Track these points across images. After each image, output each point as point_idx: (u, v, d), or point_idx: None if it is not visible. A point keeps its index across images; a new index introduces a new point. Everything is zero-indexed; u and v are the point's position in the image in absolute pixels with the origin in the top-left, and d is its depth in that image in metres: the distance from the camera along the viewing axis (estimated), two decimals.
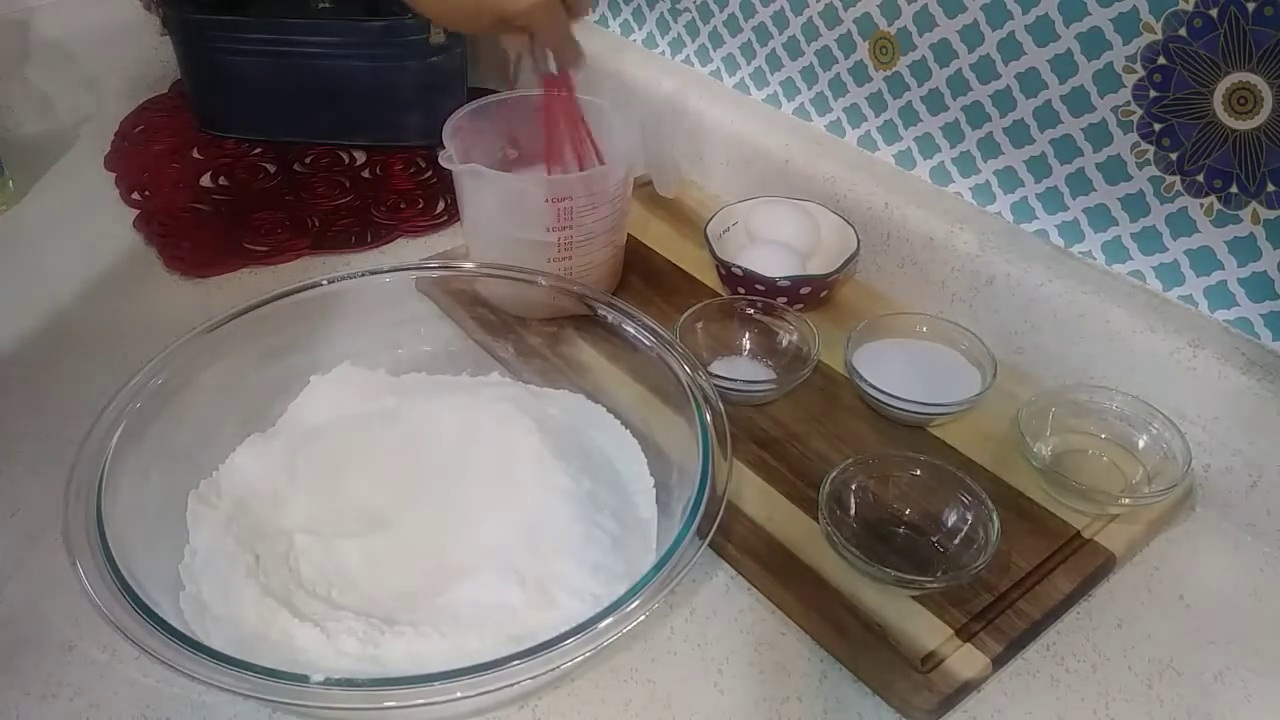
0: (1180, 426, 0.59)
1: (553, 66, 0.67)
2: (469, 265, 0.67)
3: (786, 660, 0.51)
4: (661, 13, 0.91)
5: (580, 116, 0.70)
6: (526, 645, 0.42)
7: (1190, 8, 0.55)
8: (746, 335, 0.69)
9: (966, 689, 0.49)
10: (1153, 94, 0.59)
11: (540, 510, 0.53)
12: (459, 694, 0.40)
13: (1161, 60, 0.58)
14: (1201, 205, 0.59)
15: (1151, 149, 0.60)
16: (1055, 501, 0.58)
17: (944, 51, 0.69)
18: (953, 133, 0.71)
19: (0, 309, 0.73)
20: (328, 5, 0.95)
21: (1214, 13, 0.54)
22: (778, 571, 0.54)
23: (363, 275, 0.63)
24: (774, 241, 0.74)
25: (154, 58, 1.04)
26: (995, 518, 0.53)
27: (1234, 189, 0.57)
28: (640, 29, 0.94)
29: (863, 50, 0.74)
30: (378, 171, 0.93)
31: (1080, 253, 0.67)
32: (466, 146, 0.69)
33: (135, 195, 0.87)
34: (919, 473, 0.57)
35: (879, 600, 0.52)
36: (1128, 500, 0.57)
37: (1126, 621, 0.54)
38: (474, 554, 0.52)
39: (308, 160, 0.94)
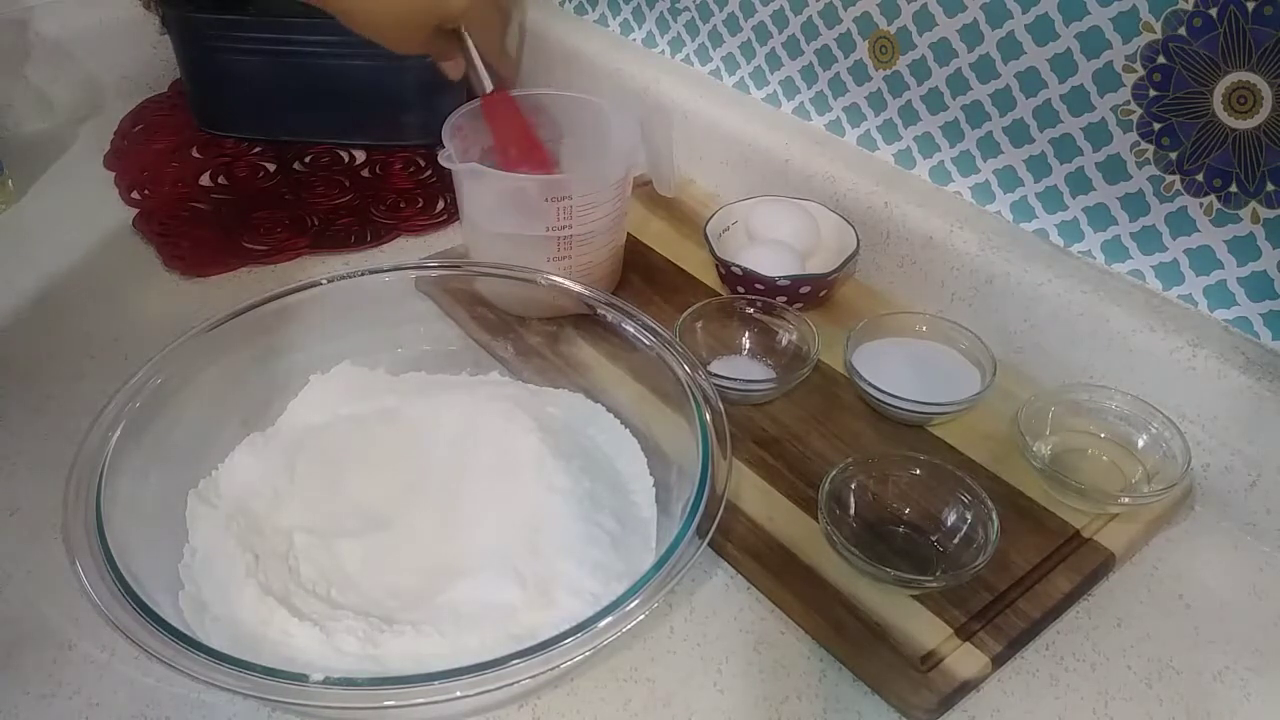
0: (1180, 426, 0.59)
1: (489, 84, 0.70)
2: (469, 265, 0.67)
3: (786, 659, 0.51)
4: (661, 12, 0.91)
5: (526, 121, 0.72)
6: (526, 644, 0.42)
7: (1190, 7, 0.55)
8: (746, 335, 0.69)
9: (966, 688, 0.49)
10: (1152, 93, 0.59)
11: (540, 509, 0.53)
12: (459, 693, 0.40)
13: (1161, 59, 0.58)
14: (1201, 205, 0.59)
15: (1151, 148, 0.60)
16: (1055, 501, 0.58)
17: (944, 51, 0.69)
18: (952, 132, 0.71)
19: None
20: None
21: (1214, 12, 0.54)
22: (777, 571, 0.54)
23: (362, 274, 0.63)
24: (774, 241, 0.74)
25: (153, 57, 1.04)
26: (995, 517, 0.53)
27: (1234, 188, 0.57)
28: (640, 28, 0.94)
29: (862, 49, 0.74)
30: (377, 171, 0.93)
31: (1080, 252, 0.67)
32: (466, 145, 0.69)
33: (135, 194, 0.87)
34: (919, 472, 0.57)
35: (879, 599, 0.52)
36: (1127, 499, 0.57)
37: (1126, 621, 0.54)
38: (474, 553, 0.52)
39: (307, 159, 0.94)
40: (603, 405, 0.62)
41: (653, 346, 0.58)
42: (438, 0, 0.66)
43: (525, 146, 0.72)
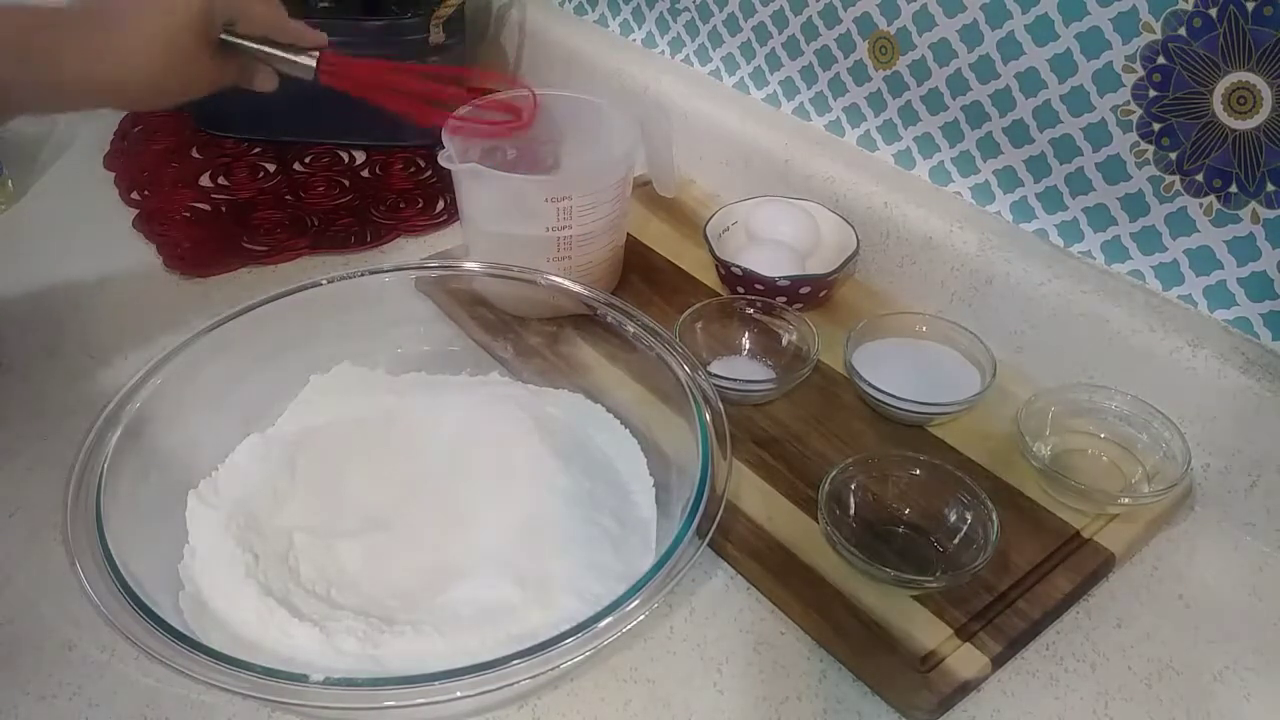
0: (1180, 426, 0.59)
1: (306, 60, 0.62)
2: (469, 265, 0.67)
3: (786, 660, 0.51)
4: (661, 12, 0.91)
5: (385, 66, 0.64)
6: (526, 645, 0.42)
7: (1190, 7, 0.55)
8: (746, 335, 0.69)
9: (966, 688, 0.49)
10: (1152, 93, 0.59)
11: (540, 510, 0.53)
12: (459, 694, 0.40)
13: (1161, 60, 0.58)
14: (1201, 205, 0.59)
15: (1151, 148, 0.60)
16: (1055, 501, 0.58)
17: (944, 51, 0.69)
18: (952, 132, 0.71)
19: None
20: (328, 5, 0.95)
21: (1213, 12, 0.54)
22: (777, 571, 0.54)
23: (362, 275, 0.63)
24: (773, 241, 0.74)
25: None
26: (995, 517, 0.53)
27: (1233, 188, 0.57)
28: (640, 28, 0.94)
29: (862, 50, 0.74)
30: (377, 171, 0.93)
31: (1080, 252, 0.67)
32: (466, 146, 0.69)
33: (134, 195, 0.87)
34: (918, 472, 0.57)
35: (879, 600, 0.52)
36: (1127, 500, 0.57)
37: (1126, 621, 0.54)
38: (473, 553, 0.52)
39: (307, 160, 0.94)
40: (603, 406, 0.62)
41: (653, 347, 0.58)
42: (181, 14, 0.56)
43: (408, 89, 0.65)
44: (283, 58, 0.62)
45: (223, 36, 0.59)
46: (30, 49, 0.52)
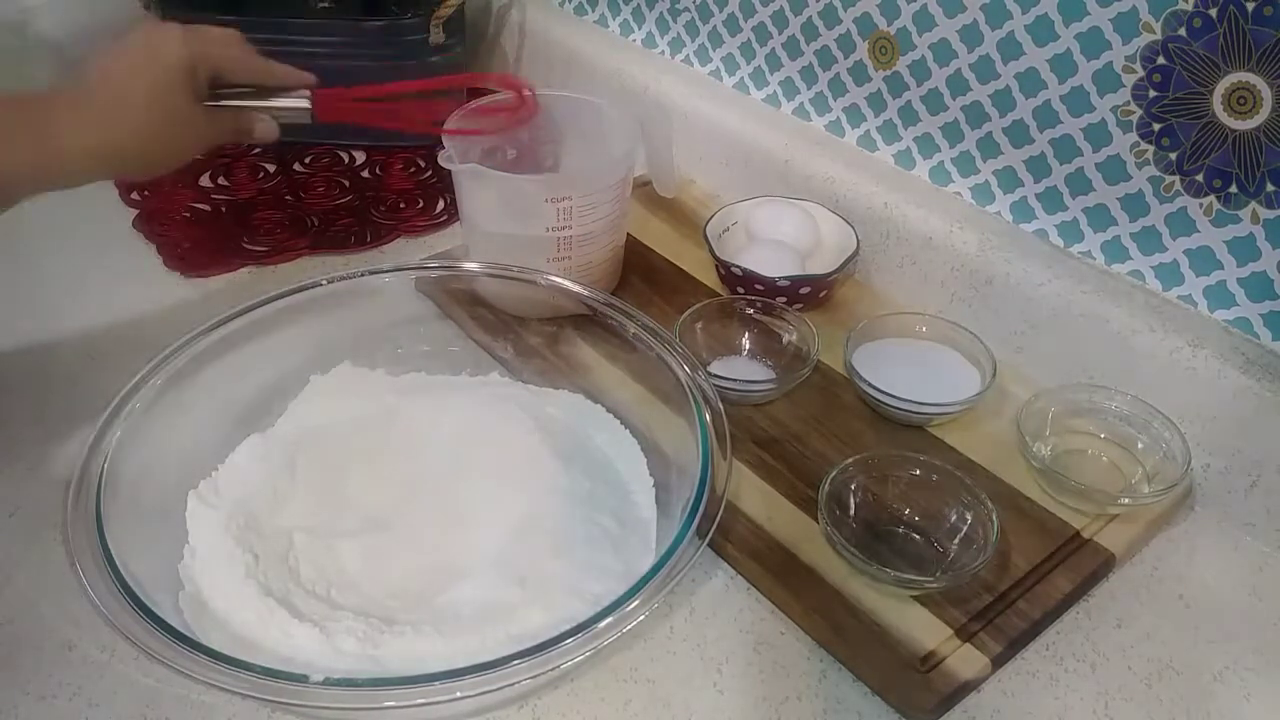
0: (1180, 426, 0.59)
1: (300, 102, 0.61)
2: (469, 265, 0.67)
3: (786, 660, 0.51)
4: (661, 12, 0.91)
5: (379, 90, 0.64)
6: (526, 645, 0.42)
7: (1190, 7, 0.55)
8: (746, 335, 0.69)
9: (966, 689, 0.49)
10: (1152, 94, 0.59)
11: (539, 510, 0.53)
12: (459, 694, 0.40)
13: (1161, 60, 0.58)
14: (1201, 205, 0.59)
15: (1151, 149, 0.60)
16: (1055, 501, 0.58)
17: (944, 51, 0.69)
18: (952, 132, 0.71)
19: None
20: (328, 5, 0.95)
21: (1214, 12, 0.54)
22: (777, 571, 0.54)
23: (362, 275, 0.63)
24: (774, 241, 0.74)
25: None
26: (995, 517, 0.53)
27: (1233, 189, 0.57)
28: (640, 29, 0.94)
29: (862, 50, 0.74)
30: (377, 171, 0.93)
31: (1080, 253, 0.67)
32: (466, 146, 0.69)
33: (134, 195, 0.87)
34: (918, 473, 0.57)
35: (879, 600, 0.52)
36: (1127, 500, 0.57)
37: (1126, 621, 0.54)
38: (473, 554, 0.52)
39: (307, 160, 0.94)
40: (603, 406, 0.62)
41: (653, 347, 0.58)
42: (163, 79, 0.55)
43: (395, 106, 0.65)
44: (276, 107, 0.61)
45: (209, 104, 0.58)
46: (25, 130, 0.53)
